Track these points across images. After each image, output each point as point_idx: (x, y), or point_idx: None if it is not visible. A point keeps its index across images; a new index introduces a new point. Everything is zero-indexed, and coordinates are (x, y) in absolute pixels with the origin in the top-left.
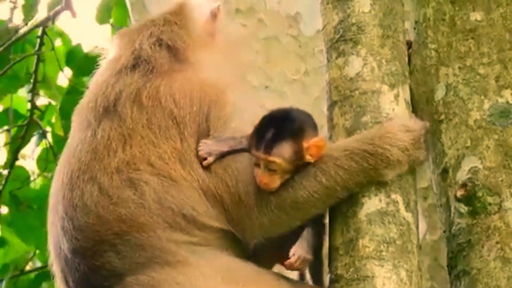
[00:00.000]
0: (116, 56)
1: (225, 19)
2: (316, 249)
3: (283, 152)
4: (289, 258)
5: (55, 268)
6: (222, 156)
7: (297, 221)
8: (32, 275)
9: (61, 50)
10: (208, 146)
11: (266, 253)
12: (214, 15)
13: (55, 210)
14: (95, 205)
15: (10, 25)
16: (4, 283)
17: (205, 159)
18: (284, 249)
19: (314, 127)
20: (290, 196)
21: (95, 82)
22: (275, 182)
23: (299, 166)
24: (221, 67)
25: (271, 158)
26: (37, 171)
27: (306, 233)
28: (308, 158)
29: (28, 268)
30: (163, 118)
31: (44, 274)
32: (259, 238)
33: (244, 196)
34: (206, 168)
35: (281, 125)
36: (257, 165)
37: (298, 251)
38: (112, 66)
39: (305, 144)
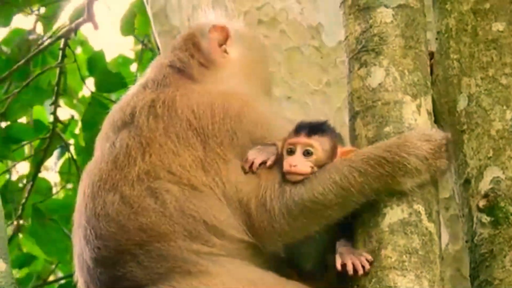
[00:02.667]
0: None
1: (243, 32)
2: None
3: (323, 140)
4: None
5: (79, 279)
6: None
7: (315, 225)
8: (55, 285)
9: (82, 58)
10: (252, 155)
11: (284, 271)
12: (222, 34)
13: (78, 222)
14: (117, 214)
15: (31, 36)
16: None
17: (251, 165)
18: (302, 268)
19: (341, 138)
20: (307, 192)
21: (116, 105)
22: (305, 167)
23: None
24: (239, 84)
25: (311, 141)
26: (59, 183)
27: (340, 243)
28: None
29: (51, 278)
30: (181, 128)
31: (67, 284)
32: (278, 245)
33: (269, 200)
34: (237, 175)
35: (323, 124)
36: (291, 151)
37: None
38: (129, 90)
39: (339, 148)
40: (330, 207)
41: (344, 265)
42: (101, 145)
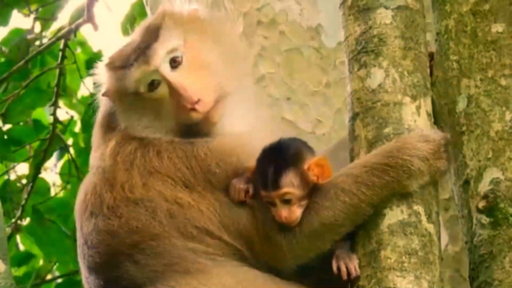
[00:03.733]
0: None
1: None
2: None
3: (289, 180)
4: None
5: None
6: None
7: (328, 243)
8: (53, 284)
9: (82, 59)
10: (236, 183)
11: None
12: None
13: (78, 242)
14: (105, 225)
15: (29, 36)
16: None
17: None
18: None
19: (309, 148)
20: (316, 219)
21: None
22: (295, 213)
23: (310, 190)
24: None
25: (282, 191)
26: (58, 184)
27: (338, 244)
28: (313, 178)
29: (49, 277)
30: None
31: (65, 283)
32: (290, 266)
33: (272, 233)
34: (229, 208)
35: (277, 158)
36: (272, 203)
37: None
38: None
39: (305, 166)
40: (343, 225)
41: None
42: (93, 157)
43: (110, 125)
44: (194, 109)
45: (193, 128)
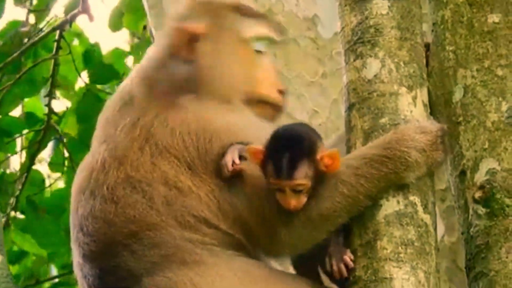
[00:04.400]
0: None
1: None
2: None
3: (304, 172)
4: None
5: (78, 281)
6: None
7: (324, 233)
8: (47, 284)
9: (78, 51)
10: (225, 158)
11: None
12: (187, 35)
13: (72, 223)
14: (101, 212)
15: (23, 28)
16: None
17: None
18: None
19: (319, 137)
20: (315, 209)
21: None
22: (302, 201)
23: (317, 178)
24: (215, 88)
25: (297, 182)
26: (53, 176)
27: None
28: (323, 169)
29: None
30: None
31: (60, 284)
32: (284, 255)
33: (270, 222)
34: (230, 189)
35: (292, 147)
36: (280, 190)
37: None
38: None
39: (318, 157)
40: (340, 216)
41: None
42: (94, 144)
43: (132, 99)
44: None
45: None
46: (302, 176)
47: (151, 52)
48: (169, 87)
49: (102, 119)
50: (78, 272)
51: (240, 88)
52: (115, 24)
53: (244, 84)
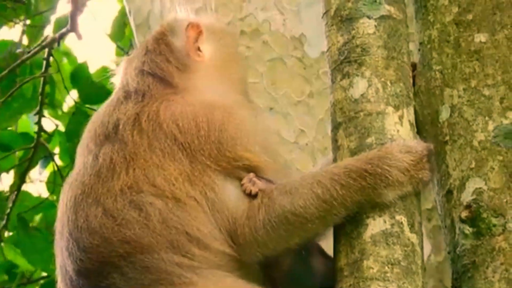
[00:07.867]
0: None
1: (214, 27)
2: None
3: None
4: None
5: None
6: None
7: (295, 238)
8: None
9: (67, 69)
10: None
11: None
12: (197, 32)
13: (60, 234)
14: (100, 226)
15: (18, 50)
16: None
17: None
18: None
19: None
20: (289, 206)
21: (96, 114)
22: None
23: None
24: (218, 86)
25: None
26: (44, 194)
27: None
28: None
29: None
30: (165, 143)
31: (50, 283)
32: (258, 256)
33: (256, 212)
34: (229, 190)
35: None
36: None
37: None
38: (110, 99)
39: None
40: (311, 221)
41: None
42: (82, 156)
43: (128, 95)
44: None
45: None
46: None
47: (149, 45)
48: (167, 80)
49: (95, 120)
50: (67, 283)
51: (240, 84)
52: (116, 35)
53: (243, 82)
